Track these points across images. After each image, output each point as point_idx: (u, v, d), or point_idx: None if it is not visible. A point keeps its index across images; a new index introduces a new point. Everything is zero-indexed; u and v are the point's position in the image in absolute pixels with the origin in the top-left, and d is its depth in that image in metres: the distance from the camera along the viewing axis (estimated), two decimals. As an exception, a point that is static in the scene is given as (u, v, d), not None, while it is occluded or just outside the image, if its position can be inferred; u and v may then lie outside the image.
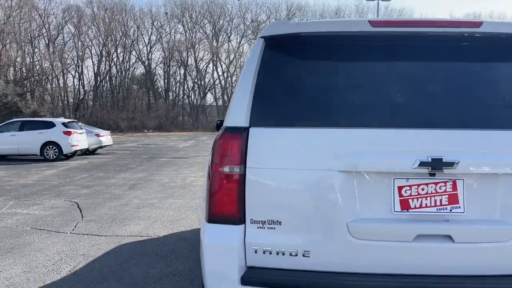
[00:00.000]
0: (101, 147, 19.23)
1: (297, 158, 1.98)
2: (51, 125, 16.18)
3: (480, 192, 1.96)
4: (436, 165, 1.88)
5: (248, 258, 1.99)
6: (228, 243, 1.95)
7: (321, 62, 2.16)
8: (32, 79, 46.37)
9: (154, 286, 3.85)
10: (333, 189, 1.95)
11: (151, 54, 61.20)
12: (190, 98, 60.36)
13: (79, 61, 55.21)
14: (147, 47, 60.47)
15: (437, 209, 1.96)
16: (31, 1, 48.07)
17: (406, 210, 1.96)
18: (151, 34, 60.91)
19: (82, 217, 6.73)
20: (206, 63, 61.16)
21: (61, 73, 52.22)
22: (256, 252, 1.98)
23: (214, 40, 63.88)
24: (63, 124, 16.29)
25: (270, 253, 1.98)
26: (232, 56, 62.50)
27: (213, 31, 64.41)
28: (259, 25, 65.34)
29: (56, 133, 15.79)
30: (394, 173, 1.94)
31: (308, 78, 2.13)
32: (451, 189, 1.95)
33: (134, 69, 60.85)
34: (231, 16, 65.01)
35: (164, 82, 62.05)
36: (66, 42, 54.67)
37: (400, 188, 1.96)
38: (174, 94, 61.82)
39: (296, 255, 1.96)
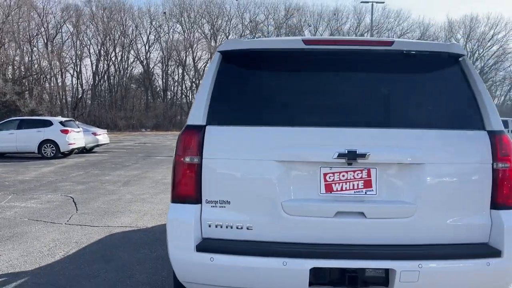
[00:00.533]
0: (98, 145, 19.70)
1: (243, 150, 2.46)
2: (49, 123, 16.64)
3: (390, 178, 2.44)
4: (351, 156, 2.35)
5: (203, 231, 2.46)
6: (186, 218, 2.42)
7: (264, 73, 2.64)
8: (31, 78, 46.77)
9: (138, 267, 4.32)
10: (271, 175, 2.43)
11: (150, 54, 61.67)
12: (188, 98, 60.79)
13: (78, 60, 55.65)
14: (145, 46, 60.96)
15: (354, 191, 2.43)
16: (30, 1, 48.46)
17: (330, 192, 2.44)
18: (150, 33, 61.40)
19: (77, 210, 7.19)
20: (204, 63, 61.58)
21: (60, 72, 52.63)
22: (209, 226, 2.45)
23: (212, 40, 64.34)
24: (61, 123, 16.75)
25: (221, 227, 2.45)
26: (229, 56, 62.82)
27: (212, 31, 64.93)
28: (257, 25, 65.90)
29: (53, 131, 16.24)
30: (319, 162, 2.42)
31: (254, 86, 2.61)
32: (366, 176, 2.43)
33: (132, 69, 61.35)
34: (230, 16, 65.55)
35: (162, 82, 62.53)
36: (65, 41, 55.15)
37: (325, 174, 2.44)
38: (172, 94, 62.32)
39: (242, 228, 2.43)
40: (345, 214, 2.41)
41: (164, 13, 61.73)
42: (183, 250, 2.39)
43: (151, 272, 4.18)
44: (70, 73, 55.91)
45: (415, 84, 2.61)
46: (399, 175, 2.44)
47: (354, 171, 2.43)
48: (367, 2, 38.32)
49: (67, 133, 16.37)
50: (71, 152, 17.24)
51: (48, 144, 16.24)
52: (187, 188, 2.46)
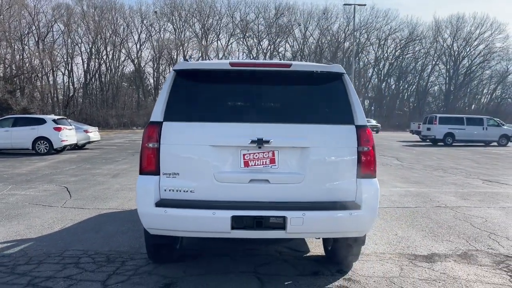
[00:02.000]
0: (89, 142, 20.71)
1: (188, 138, 3.59)
2: (42, 121, 17.61)
3: (287, 157, 3.59)
4: (260, 142, 3.49)
5: (161, 193, 3.58)
6: (149, 185, 3.54)
7: (203, 85, 3.79)
8: (22, 77, 47.44)
9: (122, 236, 5.43)
10: (207, 155, 3.56)
11: (141, 52, 62.57)
12: (178, 96, 61.50)
13: (69, 58, 56.34)
14: (136, 45, 61.85)
15: (263, 166, 3.58)
16: (21, 0, 49.05)
17: (247, 167, 3.58)
18: (141, 32, 62.29)
19: (71, 196, 8.26)
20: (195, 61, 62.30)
21: (51, 71, 53.31)
22: (165, 190, 3.58)
23: (203, 39, 65.32)
24: (54, 120, 17.73)
25: (173, 191, 3.57)
26: (221, 54, 64.00)
27: (202, 30, 65.86)
28: (248, 24, 66.91)
29: (47, 129, 17.22)
30: (239, 146, 3.55)
31: (197, 94, 3.74)
32: (271, 156, 3.57)
33: (123, 67, 62.20)
34: (220, 15, 66.52)
35: (154, 80, 63.48)
36: (56, 39, 55.84)
37: (244, 155, 3.57)
38: (163, 92, 62.91)
39: (187, 191, 3.56)
40: (256, 181, 3.55)
41: (155, 12, 62.59)
42: (147, 206, 3.52)
43: (132, 238, 5.31)
44: (61, 72, 56.66)
45: (307, 93, 3.78)
46: (293, 155, 3.59)
47: (263, 153, 3.57)
48: (350, 4, 39.54)
49: (60, 131, 17.35)
50: (63, 148, 18.24)
51: (42, 141, 17.21)
52: (149, 165, 3.59)
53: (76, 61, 58.64)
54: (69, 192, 8.75)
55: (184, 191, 3.55)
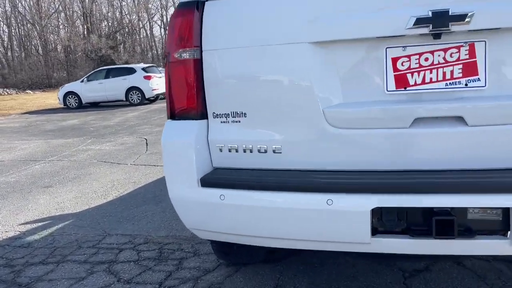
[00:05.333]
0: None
1: (259, 32, 1.58)
2: (132, 71, 16.92)
3: (509, 57, 1.41)
4: (439, 22, 1.36)
5: (213, 158, 1.70)
6: (186, 139, 1.66)
7: None
8: (122, 32, 48.86)
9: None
10: (305, 67, 1.54)
11: None
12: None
13: (163, 10, 56.65)
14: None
15: (446, 84, 1.45)
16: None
17: (403, 89, 1.49)
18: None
19: (146, 150, 6.96)
20: None
21: (148, 23, 54.23)
22: (221, 150, 1.68)
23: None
24: (143, 69, 16.94)
25: (237, 151, 1.66)
26: None
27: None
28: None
29: (137, 78, 16.49)
30: (384, 38, 1.46)
31: None
32: (467, 56, 1.42)
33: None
34: None
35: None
36: (150, -8, 56.15)
37: (394, 60, 1.48)
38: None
39: (266, 151, 1.62)
40: (429, 121, 1.46)
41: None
42: (184, 185, 1.66)
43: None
44: (158, 24, 57.42)
45: None
46: None
47: (445, 50, 1.43)
48: None
49: (149, 79, 16.52)
50: (156, 98, 17.50)
51: (134, 91, 16.58)
52: (184, 97, 1.69)
53: (170, 12, 58.79)
54: (146, 145, 7.50)
55: (259, 152, 1.62)
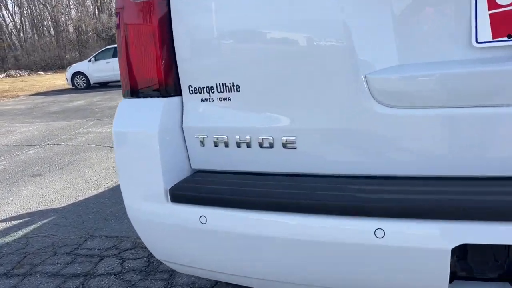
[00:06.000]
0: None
1: None
2: (141, 49, 16.30)
3: None
4: None
5: (192, 156, 1.11)
6: (147, 128, 1.07)
7: None
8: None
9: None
10: (337, 7, 0.92)
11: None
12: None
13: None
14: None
15: None
16: None
17: (505, 38, 0.86)
18: None
19: (150, 133, 6.42)
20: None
21: None
22: (203, 144, 1.09)
23: None
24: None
25: (227, 145, 1.07)
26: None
27: None
28: None
29: (145, 56, 15.88)
30: None
31: None
32: None
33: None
34: None
35: None
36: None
37: (492, -10, 0.85)
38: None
39: (272, 146, 1.02)
40: None
41: None
42: (145, 200, 1.08)
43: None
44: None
45: None
46: None
47: None
48: None
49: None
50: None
51: (143, 70, 16.01)
52: (142, 62, 1.09)
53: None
54: (151, 127, 6.92)
55: (261, 146, 1.01)
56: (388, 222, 0.85)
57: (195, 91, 1.07)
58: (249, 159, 1.05)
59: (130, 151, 1.09)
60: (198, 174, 1.11)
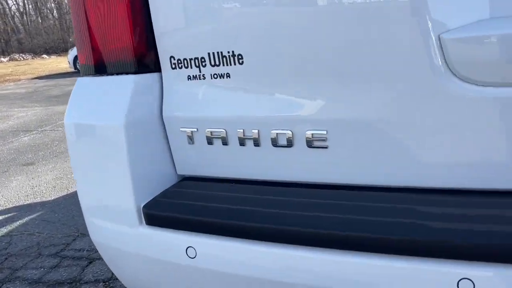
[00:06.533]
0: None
1: None
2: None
3: None
4: None
5: (176, 157, 0.78)
6: (110, 119, 0.74)
7: None
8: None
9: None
10: None
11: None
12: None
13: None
14: None
15: None
16: None
17: None
18: None
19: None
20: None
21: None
22: (192, 140, 0.76)
23: None
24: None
25: (225, 142, 0.74)
26: None
27: None
28: None
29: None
30: None
31: None
32: None
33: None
34: None
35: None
36: None
37: None
38: None
39: (291, 144, 0.70)
40: None
41: None
42: (111, 221, 0.75)
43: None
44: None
45: None
46: None
47: None
48: None
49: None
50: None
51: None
52: (106, 26, 0.75)
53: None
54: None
55: (275, 144, 0.67)
56: (477, 269, 0.53)
57: (179, 65, 0.75)
58: (258, 162, 0.73)
59: (89, 152, 0.77)
60: (185, 183, 0.79)
